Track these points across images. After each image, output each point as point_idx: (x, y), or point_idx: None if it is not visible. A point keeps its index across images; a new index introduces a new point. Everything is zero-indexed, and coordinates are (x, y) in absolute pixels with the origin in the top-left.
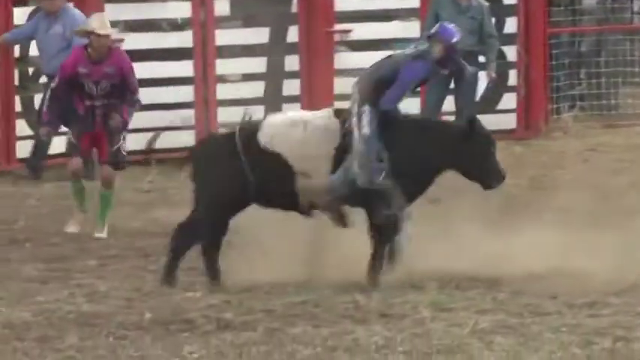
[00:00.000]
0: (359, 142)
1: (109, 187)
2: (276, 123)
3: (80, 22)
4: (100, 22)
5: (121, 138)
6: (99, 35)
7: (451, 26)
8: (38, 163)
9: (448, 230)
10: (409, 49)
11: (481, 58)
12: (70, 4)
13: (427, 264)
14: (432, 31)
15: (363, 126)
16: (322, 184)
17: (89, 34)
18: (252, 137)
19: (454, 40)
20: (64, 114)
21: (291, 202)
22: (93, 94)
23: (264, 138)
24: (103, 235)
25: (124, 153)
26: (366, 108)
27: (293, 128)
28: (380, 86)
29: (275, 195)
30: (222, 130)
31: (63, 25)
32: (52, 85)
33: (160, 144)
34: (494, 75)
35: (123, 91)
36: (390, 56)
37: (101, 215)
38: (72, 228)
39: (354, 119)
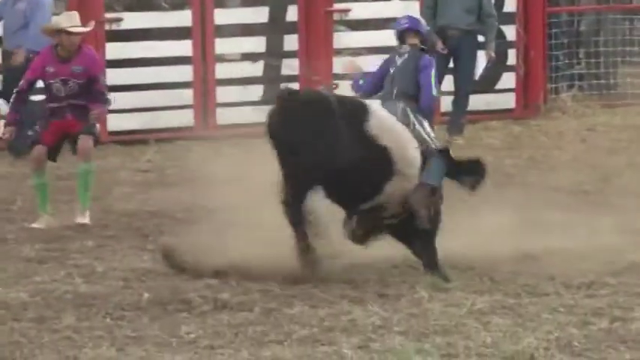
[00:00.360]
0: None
1: (87, 158)
2: (387, 119)
3: (44, 3)
4: (70, 21)
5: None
6: (69, 33)
7: (401, 18)
8: (19, 143)
9: (445, 211)
10: (404, 58)
11: (480, 38)
12: None
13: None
14: (397, 29)
15: (429, 132)
16: (411, 187)
17: (59, 32)
18: (358, 121)
19: (406, 26)
20: (33, 116)
21: (364, 198)
22: (60, 95)
23: (374, 128)
24: (85, 220)
25: (98, 132)
26: (420, 117)
27: (404, 130)
28: (412, 96)
29: (354, 185)
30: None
31: (27, 2)
32: (18, 87)
33: (158, 124)
34: (493, 54)
35: (91, 92)
36: (392, 66)
37: (82, 198)
38: (36, 224)
39: (423, 133)
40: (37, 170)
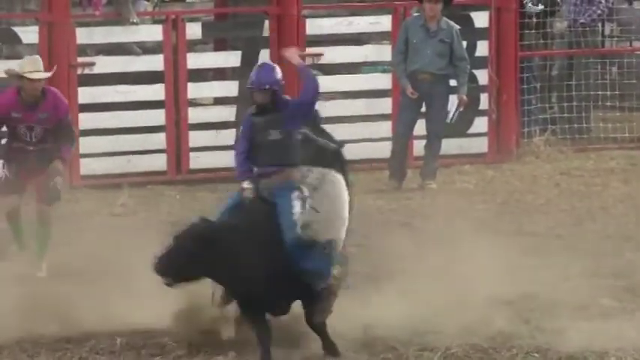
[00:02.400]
0: None
1: (45, 225)
2: None
3: None
4: (32, 66)
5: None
6: (31, 80)
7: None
8: None
9: (418, 254)
10: None
11: (452, 82)
12: None
13: (397, 286)
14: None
15: None
16: None
17: (21, 77)
18: None
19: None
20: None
21: None
22: (26, 139)
23: None
24: (43, 274)
25: (59, 189)
26: None
27: None
28: None
29: None
30: None
31: None
32: None
33: (131, 168)
34: (465, 98)
35: (58, 135)
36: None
37: (39, 254)
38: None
39: None
40: (11, 221)
